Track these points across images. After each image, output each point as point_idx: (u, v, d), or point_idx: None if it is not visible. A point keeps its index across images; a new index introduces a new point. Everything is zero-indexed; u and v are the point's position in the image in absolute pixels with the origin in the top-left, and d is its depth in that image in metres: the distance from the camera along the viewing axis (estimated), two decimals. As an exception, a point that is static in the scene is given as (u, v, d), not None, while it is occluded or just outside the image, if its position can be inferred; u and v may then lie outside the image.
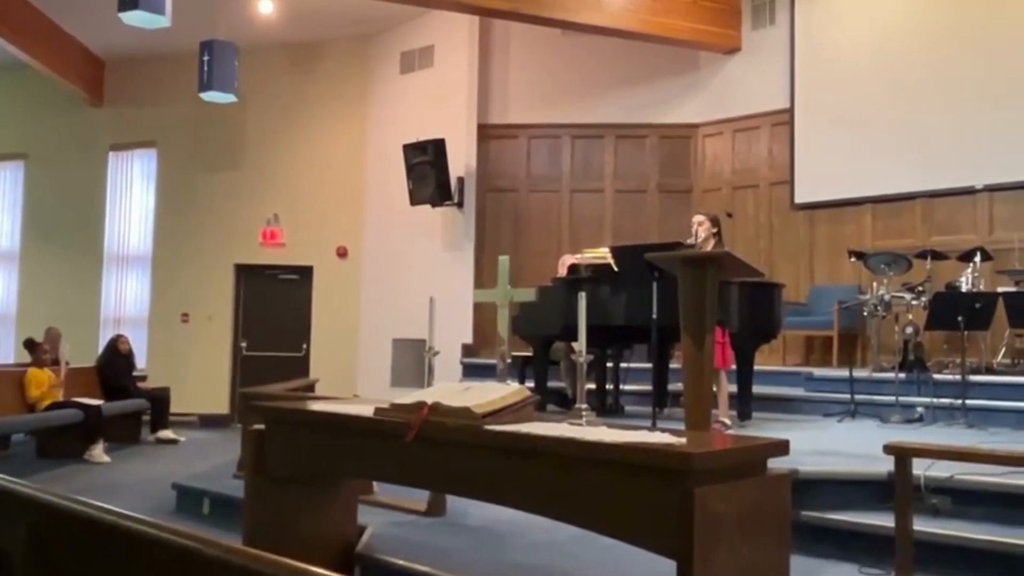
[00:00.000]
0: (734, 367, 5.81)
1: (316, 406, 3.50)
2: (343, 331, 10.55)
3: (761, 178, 9.57)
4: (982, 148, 7.96)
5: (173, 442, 8.84)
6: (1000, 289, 6.73)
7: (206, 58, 7.83)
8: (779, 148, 9.41)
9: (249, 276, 10.83)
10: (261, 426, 3.40)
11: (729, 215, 5.99)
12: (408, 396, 2.96)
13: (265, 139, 10.83)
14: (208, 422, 10.31)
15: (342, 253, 10.71)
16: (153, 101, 10.97)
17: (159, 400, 9.07)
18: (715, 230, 5.68)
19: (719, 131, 9.86)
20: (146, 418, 9.11)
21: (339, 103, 10.83)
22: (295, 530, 3.40)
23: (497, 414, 2.72)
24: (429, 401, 2.82)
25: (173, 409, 9.26)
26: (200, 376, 10.58)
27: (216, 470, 5.80)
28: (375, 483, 4.53)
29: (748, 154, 9.69)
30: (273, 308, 10.80)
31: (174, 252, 10.83)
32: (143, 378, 9.87)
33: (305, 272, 10.77)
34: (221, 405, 10.60)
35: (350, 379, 10.24)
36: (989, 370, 6.82)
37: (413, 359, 9.25)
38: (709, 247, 5.48)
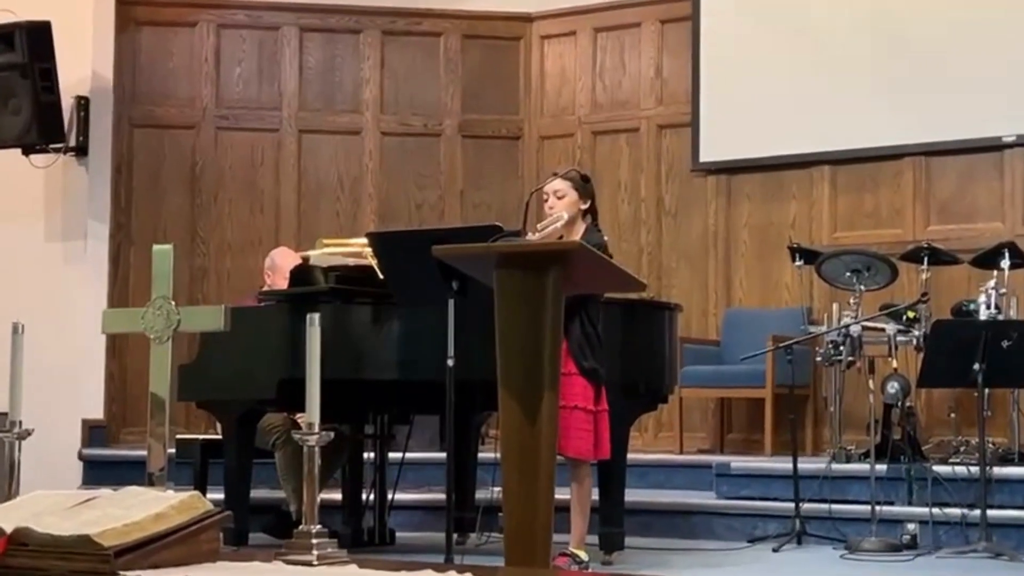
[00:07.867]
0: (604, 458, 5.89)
1: None
2: None
3: (643, 116, 9.91)
4: (1012, 77, 8.57)
5: None
6: (1043, 317, 7.26)
7: None
8: (674, 65, 9.80)
9: None
10: None
11: (585, 179, 6.10)
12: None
13: None
14: None
15: None
16: None
17: None
18: (585, 206, 5.80)
19: (569, 29, 10.15)
20: None
21: None
22: None
23: (143, 548, 2.69)
24: (9, 528, 2.76)
25: None
26: None
27: None
28: None
29: (620, 73, 10.02)
30: None
31: None
32: None
33: None
34: None
35: None
36: (1024, 457, 7.32)
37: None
38: (578, 236, 5.55)
